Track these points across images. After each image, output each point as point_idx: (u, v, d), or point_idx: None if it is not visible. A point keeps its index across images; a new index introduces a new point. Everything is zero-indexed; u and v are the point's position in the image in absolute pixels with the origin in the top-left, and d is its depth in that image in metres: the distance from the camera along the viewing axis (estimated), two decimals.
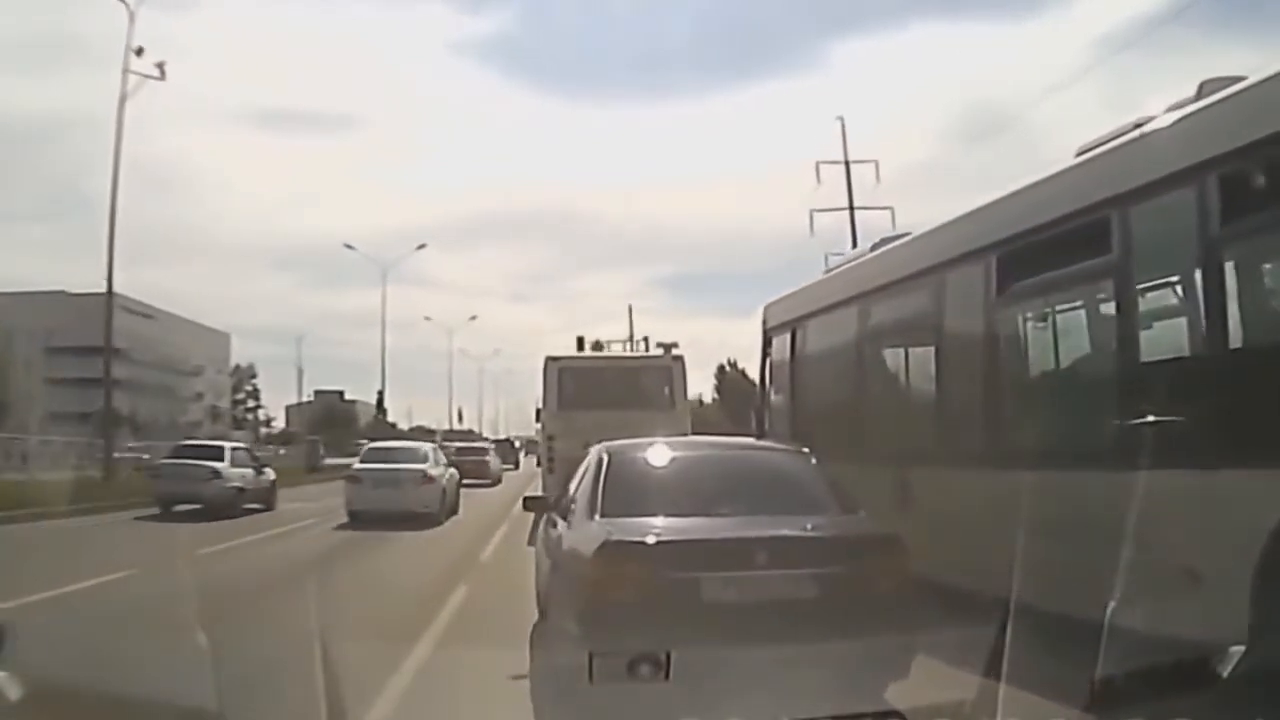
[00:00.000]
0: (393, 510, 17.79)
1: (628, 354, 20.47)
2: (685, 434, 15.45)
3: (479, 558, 13.32)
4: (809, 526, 5.54)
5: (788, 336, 11.63)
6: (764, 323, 12.50)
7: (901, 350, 9.47)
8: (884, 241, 10.38)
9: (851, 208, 32.27)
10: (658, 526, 5.41)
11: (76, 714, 4.11)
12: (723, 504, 5.80)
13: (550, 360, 18.76)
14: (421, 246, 52.42)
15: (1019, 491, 5.90)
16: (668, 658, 4.21)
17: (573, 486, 6.75)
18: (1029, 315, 7.41)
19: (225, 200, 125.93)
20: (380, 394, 54.06)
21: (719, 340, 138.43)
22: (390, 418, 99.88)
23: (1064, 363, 7.23)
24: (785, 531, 5.41)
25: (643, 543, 5.17)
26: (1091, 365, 6.85)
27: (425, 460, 19.77)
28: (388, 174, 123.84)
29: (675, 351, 19.06)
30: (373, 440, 29.52)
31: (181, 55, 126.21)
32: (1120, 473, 5.42)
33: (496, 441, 55.69)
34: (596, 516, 5.70)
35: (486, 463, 38.62)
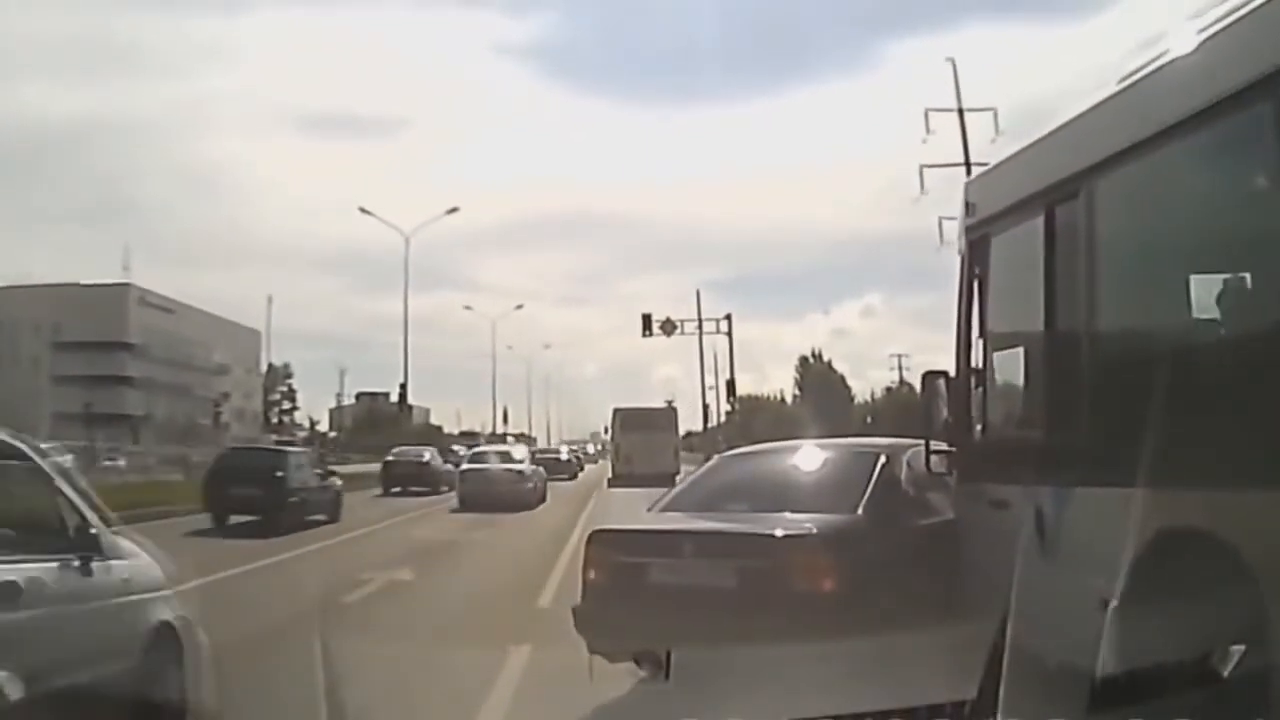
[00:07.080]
0: (494, 500, 23.29)
1: (649, 406, 48.87)
2: (676, 447, 43.01)
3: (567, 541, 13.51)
4: (759, 524, 6.00)
5: (1031, 228, 5.57)
6: (967, 210, 6.38)
7: None
8: None
9: (968, 164, 26.32)
10: (660, 520, 6.63)
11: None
12: (734, 502, 6.58)
13: (616, 410, 44.97)
14: (452, 210, 46.80)
15: None
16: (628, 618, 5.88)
17: None
18: None
19: (271, 203, 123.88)
20: (403, 387, 47.24)
21: (771, 342, 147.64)
22: (436, 420, 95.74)
23: None
24: (715, 526, 6.30)
25: (612, 531, 6.65)
26: None
27: (520, 461, 27.33)
28: (433, 176, 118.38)
29: (673, 405, 48.61)
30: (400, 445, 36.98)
31: (231, 59, 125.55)
32: None
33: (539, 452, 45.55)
34: (654, 510, 6.95)
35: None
